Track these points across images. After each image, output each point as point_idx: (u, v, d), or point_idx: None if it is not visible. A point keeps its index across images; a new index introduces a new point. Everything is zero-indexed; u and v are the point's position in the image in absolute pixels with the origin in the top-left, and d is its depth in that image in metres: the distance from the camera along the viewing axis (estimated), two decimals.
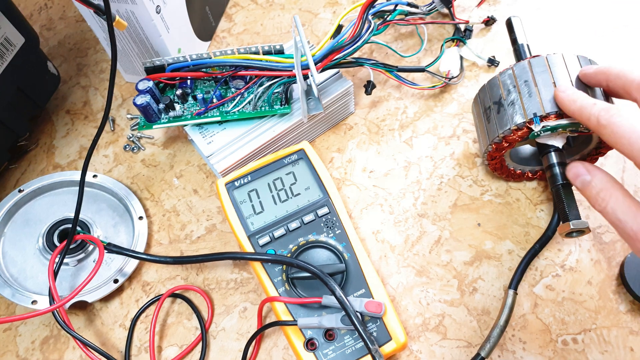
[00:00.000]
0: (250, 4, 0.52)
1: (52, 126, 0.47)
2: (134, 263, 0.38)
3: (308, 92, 0.39)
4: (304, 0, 0.52)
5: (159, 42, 0.42)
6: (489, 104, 0.36)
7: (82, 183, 0.36)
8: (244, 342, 0.35)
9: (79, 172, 0.42)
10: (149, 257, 0.36)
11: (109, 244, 0.36)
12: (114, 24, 0.36)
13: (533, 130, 0.33)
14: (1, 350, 0.37)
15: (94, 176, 0.42)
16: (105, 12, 0.34)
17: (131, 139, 0.45)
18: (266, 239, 0.35)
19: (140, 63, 0.45)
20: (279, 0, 0.52)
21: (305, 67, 0.38)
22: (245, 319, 0.36)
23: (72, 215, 0.40)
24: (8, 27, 0.38)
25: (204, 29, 0.49)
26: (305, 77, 0.38)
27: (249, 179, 0.38)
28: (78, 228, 0.38)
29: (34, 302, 0.36)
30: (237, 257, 0.35)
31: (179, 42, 0.44)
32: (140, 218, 0.40)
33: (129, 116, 0.46)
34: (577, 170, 0.31)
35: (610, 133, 0.27)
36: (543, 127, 0.33)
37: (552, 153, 0.34)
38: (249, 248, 0.35)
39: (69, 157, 0.45)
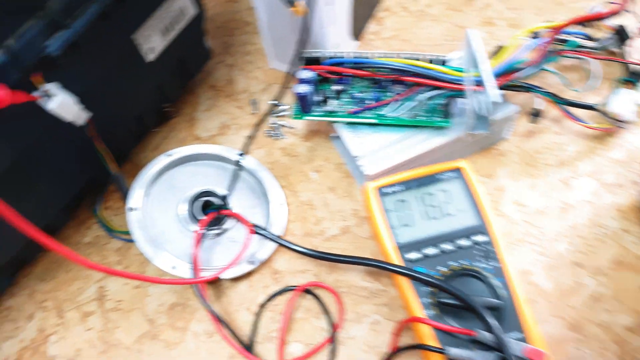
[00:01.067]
0: (401, 10, 0.52)
1: (196, 98, 0.48)
2: (269, 249, 0.38)
3: (473, 110, 0.38)
4: (458, 15, 0.51)
5: (321, 34, 0.42)
6: None
7: (239, 165, 0.36)
8: (372, 356, 0.34)
9: (224, 147, 0.42)
10: (293, 247, 0.36)
11: (255, 225, 0.36)
12: (292, 9, 0.36)
13: None
14: (130, 305, 0.38)
15: (239, 155, 0.42)
16: None
17: (273, 125, 0.45)
18: (416, 255, 0.34)
19: (293, 51, 0.45)
20: (432, 10, 0.51)
21: (478, 83, 0.37)
22: (375, 332, 0.35)
23: (214, 187, 0.40)
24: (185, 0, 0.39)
25: (357, 28, 0.48)
26: (476, 94, 0.37)
27: (400, 188, 0.37)
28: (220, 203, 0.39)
29: (173, 267, 0.36)
30: (387, 268, 0.34)
31: (336, 37, 0.44)
32: (280, 204, 0.40)
33: (274, 102, 0.46)
34: None
35: None
36: None
37: None
38: (395, 260, 0.34)
39: (209, 132, 0.46)
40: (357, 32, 0.49)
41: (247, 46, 0.51)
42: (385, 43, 0.50)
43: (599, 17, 0.39)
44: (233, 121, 0.46)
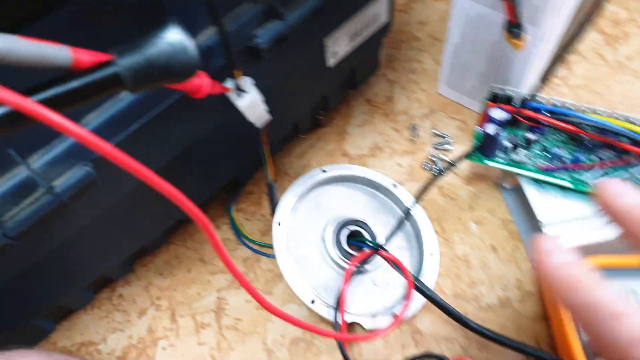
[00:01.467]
0: (595, 57, 0.45)
1: (350, 111, 0.44)
2: (416, 305, 0.33)
3: None
4: None
5: (520, 72, 0.36)
6: None
7: (407, 214, 0.31)
8: None
9: (382, 175, 0.38)
10: (462, 319, 0.30)
11: (416, 278, 0.31)
12: (513, 40, 0.31)
13: None
14: (250, 328, 0.34)
15: (394, 185, 0.37)
16: (517, 27, 0.30)
17: (432, 158, 0.40)
18: None
19: (475, 82, 0.40)
20: (633, 64, 0.44)
21: None
22: None
23: (363, 216, 0.36)
24: (384, 3, 0.35)
25: (545, 69, 0.42)
26: None
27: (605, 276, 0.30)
28: (369, 238, 0.34)
29: (312, 301, 0.32)
30: None
31: (530, 76, 0.38)
32: (432, 254, 0.35)
33: (435, 131, 0.41)
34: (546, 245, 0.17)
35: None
36: None
37: None
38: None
39: (360, 150, 0.41)
40: (544, 73, 0.43)
41: (413, 63, 0.46)
42: (573, 92, 0.44)
43: None
44: (387, 143, 0.42)
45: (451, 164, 0.35)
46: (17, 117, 0.15)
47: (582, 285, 0.15)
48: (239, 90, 0.26)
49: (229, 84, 0.26)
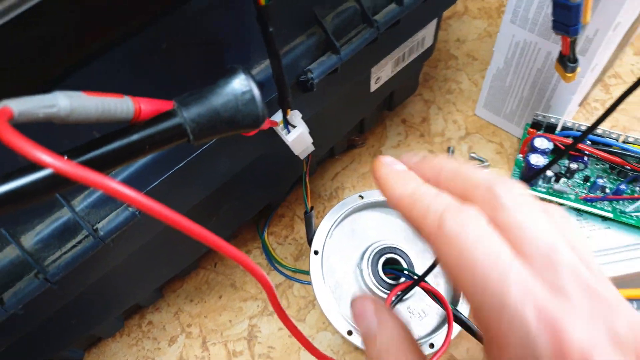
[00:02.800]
0: (634, 80, 0.44)
1: (384, 131, 0.43)
2: (454, 333, 0.33)
3: None
4: None
5: (564, 101, 0.36)
6: None
7: None
8: None
9: None
10: None
11: (456, 309, 0.31)
12: (566, 73, 0.31)
13: None
14: (282, 356, 0.34)
15: None
16: (572, 61, 0.29)
17: None
18: None
19: (516, 107, 0.39)
20: None
21: None
22: None
23: (398, 243, 0.35)
24: (431, 28, 0.34)
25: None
26: None
27: (635, 306, 0.30)
28: (406, 267, 0.34)
29: (349, 332, 0.31)
30: None
31: (574, 104, 0.37)
32: None
33: (473, 155, 0.41)
34: (360, 307, 0.20)
35: (454, 249, 0.15)
36: None
37: None
38: None
39: None
40: (584, 98, 0.42)
41: (450, 84, 0.45)
42: (610, 116, 0.43)
43: None
44: None
45: None
46: (61, 180, 0.14)
47: (394, 181, 0.18)
48: (288, 124, 0.25)
49: (277, 117, 0.25)
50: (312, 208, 0.34)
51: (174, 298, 0.36)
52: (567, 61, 0.30)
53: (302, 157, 0.28)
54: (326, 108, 0.30)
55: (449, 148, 0.42)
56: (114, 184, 0.12)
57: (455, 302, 0.32)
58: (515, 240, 0.16)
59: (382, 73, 0.34)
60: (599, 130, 0.34)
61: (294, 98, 0.26)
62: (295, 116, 0.26)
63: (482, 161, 0.40)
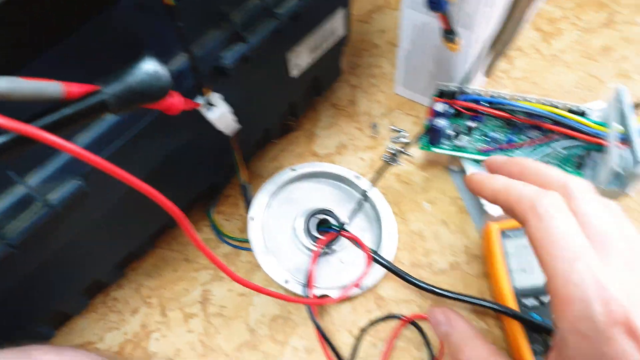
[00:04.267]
0: (533, 52, 0.51)
1: (317, 115, 0.49)
2: (377, 275, 0.38)
3: (613, 166, 0.37)
4: (591, 65, 0.49)
5: (461, 69, 0.42)
6: None
7: (365, 197, 0.36)
8: None
9: (345, 169, 0.43)
10: (412, 280, 0.36)
11: (374, 252, 0.36)
12: (449, 44, 0.37)
13: None
14: (233, 313, 0.39)
15: (356, 177, 0.42)
16: (451, 33, 0.35)
17: (391, 151, 0.45)
18: (533, 302, 0.34)
19: (426, 81, 0.45)
20: (565, 57, 0.50)
21: (623, 140, 0.35)
22: None
23: (329, 205, 0.40)
24: (340, 17, 0.40)
25: (489, 65, 0.48)
26: (616, 150, 0.35)
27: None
28: (334, 223, 0.39)
29: (286, 281, 0.36)
30: (506, 313, 0.33)
31: (472, 72, 0.43)
32: (390, 232, 0.40)
33: (393, 127, 0.47)
34: (435, 317, 0.29)
35: (541, 229, 0.21)
36: None
37: None
38: (510, 303, 0.34)
39: (327, 149, 0.46)
40: (489, 68, 0.49)
41: (373, 69, 0.51)
42: (514, 83, 0.49)
43: None
44: (351, 142, 0.47)
45: (404, 153, 0.41)
46: (21, 141, 0.20)
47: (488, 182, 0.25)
48: (209, 104, 0.31)
49: (199, 100, 0.31)
50: (248, 181, 0.39)
51: (135, 275, 0.41)
52: (448, 34, 0.36)
53: (228, 134, 0.34)
54: (249, 92, 0.35)
55: (373, 124, 0.47)
56: (68, 144, 0.18)
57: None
58: (582, 225, 0.21)
59: (300, 60, 0.39)
60: (493, 93, 0.40)
61: (214, 83, 0.31)
62: (216, 97, 0.31)
63: (399, 131, 0.46)
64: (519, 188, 0.23)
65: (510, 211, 0.24)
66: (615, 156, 0.35)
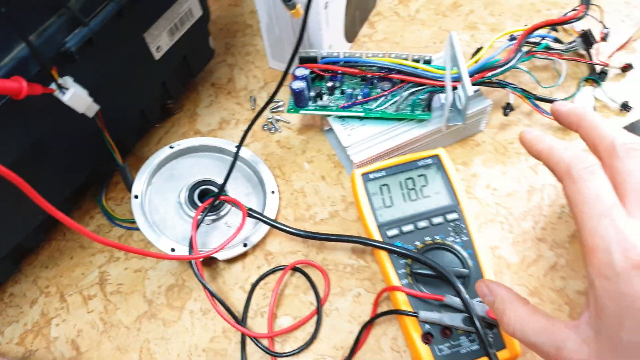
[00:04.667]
0: (392, 15, 0.55)
1: (197, 95, 0.51)
2: (261, 232, 0.41)
3: (451, 104, 0.41)
4: (443, 20, 0.54)
5: (317, 35, 0.45)
6: None
7: (236, 154, 0.39)
8: (355, 325, 0.37)
9: (223, 140, 0.46)
10: (284, 227, 0.39)
11: (250, 209, 0.39)
12: (292, 12, 0.40)
13: None
14: (130, 288, 0.41)
15: (236, 147, 0.45)
16: (286, 1, 0.38)
17: (270, 120, 0.48)
18: (395, 231, 0.37)
19: (289, 51, 0.48)
20: (420, 16, 0.55)
21: (455, 79, 0.40)
22: (358, 304, 0.38)
23: (212, 177, 0.43)
24: (194, 1, 0.42)
25: (350, 31, 0.52)
26: (453, 89, 0.40)
27: (383, 174, 0.40)
28: (212, 190, 0.42)
29: (172, 249, 0.39)
30: (368, 243, 0.37)
31: (331, 38, 0.47)
32: (273, 192, 0.43)
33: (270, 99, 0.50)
34: (481, 290, 0.29)
35: (574, 190, 0.24)
36: None
37: None
38: (376, 237, 0.37)
39: (210, 126, 0.49)
40: (351, 34, 0.53)
41: (248, 47, 0.54)
42: (377, 45, 0.53)
43: (561, 22, 0.42)
44: (232, 117, 0.50)
45: (282, 121, 0.44)
46: None
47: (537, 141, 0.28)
48: (61, 88, 0.33)
49: (52, 85, 0.33)
50: (124, 162, 0.41)
51: (31, 269, 0.42)
52: (285, 1, 0.39)
53: (90, 115, 0.35)
54: (110, 74, 0.37)
55: (251, 97, 0.50)
56: None
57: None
58: (620, 182, 0.23)
59: (160, 42, 0.41)
60: (347, 54, 0.44)
61: (66, 67, 0.33)
62: (67, 80, 0.33)
63: (276, 102, 0.49)
64: (559, 152, 0.26)
65: (551, 171, 0.27)
66: (452, 95, 0.40)
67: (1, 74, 0.29)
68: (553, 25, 0.43)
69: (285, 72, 0.41)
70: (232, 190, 0.43)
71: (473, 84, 0.41)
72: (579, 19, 0.41)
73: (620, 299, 0.22)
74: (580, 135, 0.27)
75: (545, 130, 0.45)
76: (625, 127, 0.38)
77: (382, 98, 0.43)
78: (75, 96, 0.33)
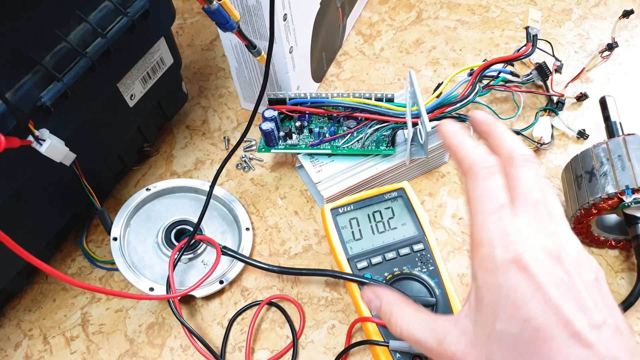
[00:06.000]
0: (358, 54, 0.58)
1: (173, 137, 0.53)
2: (237, 268, 0.43)
3: (413, 139, 0.44)
4: (407, 57, 0.57)
5: (285, 78, 0.48)
6: (580, 172, 0.40)
7: (210, 193, 0.41)
8: (330, 356, 0.39)
9: (198, 181, 0.47)
10: (258, 264, 0.40)
11: (224, 247, 0.41)
12: (258, 58, 0.42)
13: (624, 201, 0.36)
14: (112, 328, 0.42)
15: (210, 186, 0.47)
16: (252, 47, 0.40)
17: (243, 159, 0.50)
18: (364, 263, 0.39)
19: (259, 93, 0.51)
20: (385, 54, 0.58)
21: (415, 116, 0.42)
22: (333, 335, 0.40)
23: (188, 217, 0.45)
24: (165, 49, 0.45)
25: (317, 72, 0.54)
26: (414, 125, 0.43)
27: (352, 207, 0.42)
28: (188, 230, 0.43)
29: (151, 289, 0.40)
30: (339, 276, 0.38)
31: (298, 80, 0.50)
32: (247, 229, 0.45)
33: (245, 139, 0.52)
34: (367, 296, 0.30)
35: (472, 187, 0.26)
36: (634, 199, 0.36)
37: None
38: (347, 269, 0.39)
39: (185, 167, 0.51)
40: (319, 74, 0.55)
41: (221, 89, 0.56)
42: (344, 84, 0.56)
43: (512, 59, 0.45)
44: (207, 157, 0.52)
45: (255, 159, 0.46)
46: None
47: (453, 134, 0.29)
48: (38, 140, 0.34)
49: (30, 137, 0.34)
50: (102, 206, 0.42)
51: (14, 313, 0.43)
52: (250, 49, 0.42)
53: (67, 164, 0.37)
54: (87, 123, 0.39)
55: (224, 137, 0.52)
56: None
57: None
58: (513, 187, 0.25)
59: (134, 90, 0.43)
60: (313, 94, 0.46)
61: (42, 120, 0.34)
62: (44, 133, 0.35)
63: (250, 141, 0.51)
64: (467, 149, 0.27)
65: (458, 165, 0.28)
66: (411, 130, 0.42)
67: None
68: (505, 61, 0.46)
69: (253, 115, 0.43)
70: (207, 228, 0.45)
71: (433, 119, 0.44)
72: (527, 55, 0.44)
73: (497, 290, 0.24)
74: (487, 142, 0.29)
75: None
76: (578, 156, 0.41)
77: (349, 135, 0.45)
78: (52, 147, 0.35)
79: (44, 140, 0.34)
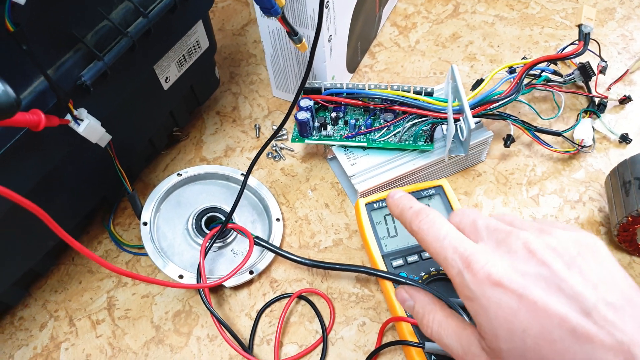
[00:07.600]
0: (393, 45, 0.57)
1: (203, 123, 0.52)
2: (267, 259, 0.42)
3: (453, 136, 0.42)
4: (443, 51, 0.56)
5: (321, 68, 0.47)
6: (629, 178, 0.38)
7: (244, 182, 0.40)
8: (360, 354, 0.38)
9: (229, 168, 0.47)
10: (290, 256, 0.39)
11: (257, 237, 0.40)
12: (298, 45, 0.41)
13: None
14: (138, 313, 0.41)
15: (242, 174, 0.46)
16: (294, 34, 0.39)
17: (274, 148, 0.49)
18: (400, 262, 0.38)
19: (294, 82, 0.50)
20: (420, 47, 0.56)
21: (457, 111, 0.41)
22: (363, 333, 0.39)
23: (218, 204, 0.44)
24: (202, 32, 0.44)
25: (352, 62, 0.53)
26: (455, 121, 0.41)
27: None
28: (224, 218, 0.42)
29: (180, 276, 0.39)
30: (375, 274, 0.37)
31: (333, 70, 0.49)
32: (278, 220, 0.44)
33: (274, 127, 0.51)
34: (401, 295, 0.31)
35: (420, 241, 0.28)
36: None
37: None
38: (381, 267, 0.38)
39: (215, 154, 0.50)
40: (353, 65, 0.54)
41: (252, 76, 0.55)
42: (378, 75, 0.55)
43: (561, 58, 0.43)
44: (237, 144, 0.51)
45: (286, 149, 0.45)
46: None
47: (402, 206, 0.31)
48: (76, 119, 0.34)
49: (68, 116, 0.33)
50: (133, 189, 0.42)
51: (40, 293, 0.43)
52: (291, 36, 0.40)
53: (102, 145, 0.36)
54: (122, 105, 0.38)
55: (255, 125, 0.51)
56: None
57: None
58: (468, 231, 0.27)
59: (169, 73, 0.42)
60: (350, 85, 0.45)
61: (81, 99, 0.34)
62: (82, 112, 0.34)
63: (280, 130, 0.50)
64: (405, 213, 0.30)
65: (405, 225, 0.30)
66: (454, 126, 0.41)
67: (21, 107, 0.29)
68: (552, 60, 0.44)
69: (293, 104, 0.42)
70: (238, 217, 0.44)
71: (475, 116, 0.42)
72: (578, 54, 0.42)
73: (486, 314, 0.24)
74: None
75: (545, 162, 0.46)
76: (627, 161, 0.39)
77: (385, 129, 0.44)
78: (89, 127, 0.34)
79: (82, 120, 0.34)
